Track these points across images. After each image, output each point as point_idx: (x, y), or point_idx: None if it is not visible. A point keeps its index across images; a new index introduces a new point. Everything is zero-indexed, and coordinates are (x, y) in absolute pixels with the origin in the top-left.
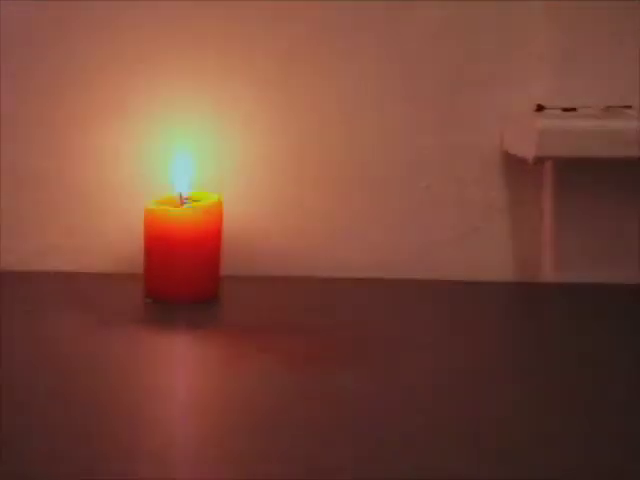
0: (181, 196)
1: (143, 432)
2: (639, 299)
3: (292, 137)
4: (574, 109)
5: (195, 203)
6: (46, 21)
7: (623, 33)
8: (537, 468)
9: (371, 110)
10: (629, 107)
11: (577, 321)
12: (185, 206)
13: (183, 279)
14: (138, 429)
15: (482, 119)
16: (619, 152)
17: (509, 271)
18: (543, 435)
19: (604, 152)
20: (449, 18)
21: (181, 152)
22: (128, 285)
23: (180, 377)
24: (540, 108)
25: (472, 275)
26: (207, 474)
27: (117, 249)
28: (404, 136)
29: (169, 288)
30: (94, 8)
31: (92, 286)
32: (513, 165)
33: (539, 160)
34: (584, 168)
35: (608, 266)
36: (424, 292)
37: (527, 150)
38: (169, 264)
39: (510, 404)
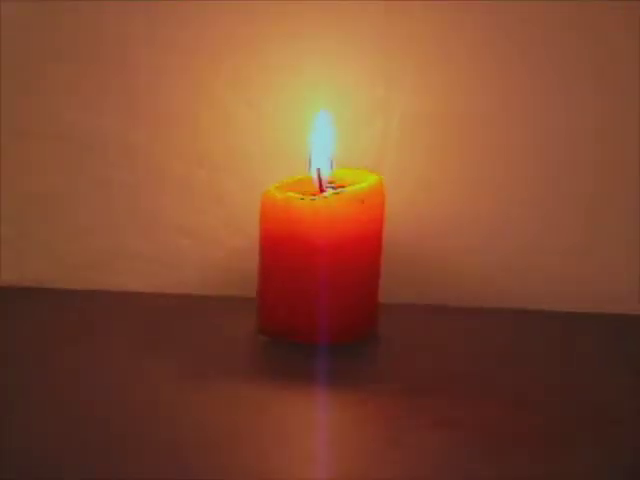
0: (320, 176)
1: None
2: None
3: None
4: None
5: (343, 188)
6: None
7: None
8: None
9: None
10: None
11: None
12: (327, 193)
13: (319, 307)
14: None
15: None
16: None
17: None
18: None
19: None
20: None
21: (323, 113)
22: (234, 315)
23: (318, 461)
24: None
25: None
26: None
27: (219, 260)
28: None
29: (296, 320)
30: None
31: (184, 315)
32: None
33: None
34: None
35: None
36: None
37: None
38: (297, 284)
39: None
